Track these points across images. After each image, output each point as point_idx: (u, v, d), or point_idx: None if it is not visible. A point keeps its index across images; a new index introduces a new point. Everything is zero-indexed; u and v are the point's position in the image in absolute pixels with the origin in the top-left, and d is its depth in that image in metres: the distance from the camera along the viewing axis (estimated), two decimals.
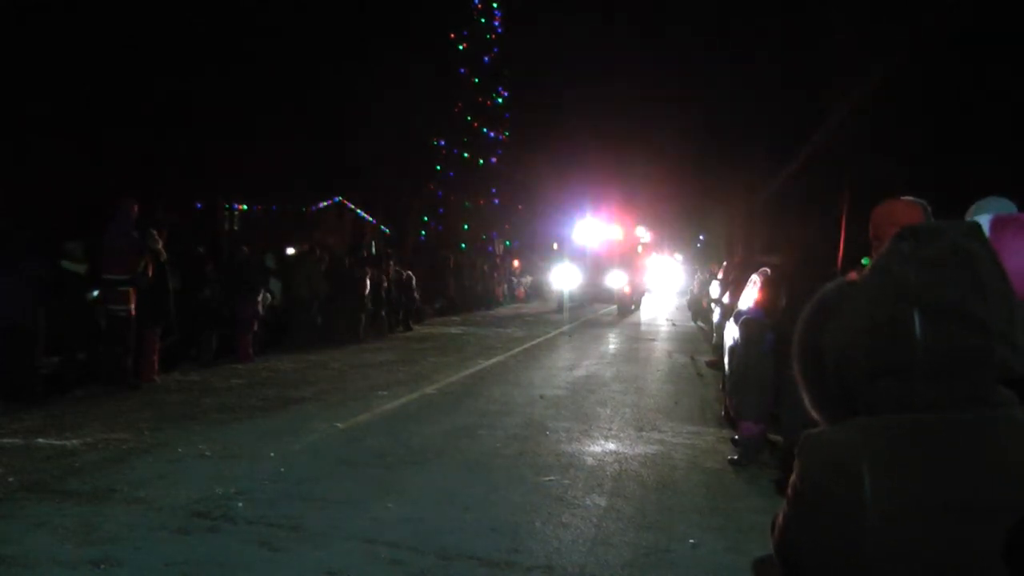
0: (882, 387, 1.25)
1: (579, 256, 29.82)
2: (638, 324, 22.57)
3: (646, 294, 33.35)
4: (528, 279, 36.67)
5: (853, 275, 1.52)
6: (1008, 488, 1.13)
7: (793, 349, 1.37)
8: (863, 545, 1.18)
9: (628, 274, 27.71)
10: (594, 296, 29.67)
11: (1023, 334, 1.25)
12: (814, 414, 1.36)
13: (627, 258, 29.28)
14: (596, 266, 29.41)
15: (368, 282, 15.72)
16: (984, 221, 2.82)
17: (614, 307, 27.03)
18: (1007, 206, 3.21)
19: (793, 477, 1.29)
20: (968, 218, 3.19)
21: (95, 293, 9.19)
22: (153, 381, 9.58)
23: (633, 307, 27.54)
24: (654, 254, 41.27)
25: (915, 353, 1.22)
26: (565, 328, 20.27)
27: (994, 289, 1.24)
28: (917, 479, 1.18)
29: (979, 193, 3.36)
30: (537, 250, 38.50)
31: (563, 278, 28.43)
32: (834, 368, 1.30)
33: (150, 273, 9.51)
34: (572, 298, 27.95)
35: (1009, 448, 1.19)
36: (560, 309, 26.37)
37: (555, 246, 34.09)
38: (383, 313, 17.23)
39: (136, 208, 9.52)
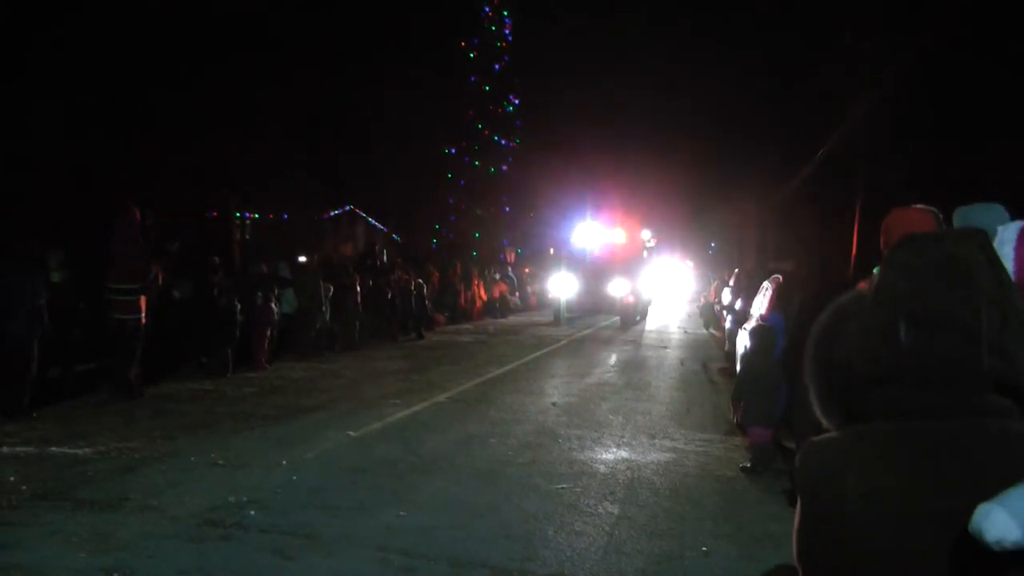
0: (876, 394, 1.26)
1: (578, 262, 27.53)
2: (648, 332, 22.46)
3: (652, 303, 30.17)
4: (537, 287, 36.51)
5: (862, 285, 1.50)
6: (982, 498, 1.09)
7: (806, 355, 1.39)
8: (847, 549, 1.19)
9: (632, 282, 25.36)
10: (594, 306, 27.11)
11: (1018, 342, 1.23)
12: (822, 419, 1.37)
13: (631, 264, 26.82)
14: (597, 273, 26.82)
15: (359, 290, 15.71)
16: (1015, 229, 2.78)
17: (616, 318, 24.88)
18: (997, 211, 3.10)
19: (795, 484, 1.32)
20: (956, 223, 3.11)
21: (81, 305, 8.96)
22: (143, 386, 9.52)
23: (638, 318, 25.10)
24: (663, 260, 40.34)
25: (903, 361, 1.23)
26: (566, 340, 20.21)
27: (989, 298, 1.22)
28: (897, 485, 1.19)
29: (995, 197, 3.30)
30: (544, 257, 38.20)
31: (561, 286, 25.91)
32: (840, 375, 1.31)
33: (160, 281, 9.47)
34: (570, 308, 25.88)
35: (987, 458, 1.17)
36: (558, 320, 24.28)
37: (552, 251, 31.06)
38: (390, 321, 17.26)
39: (139, 214, 9.42)
